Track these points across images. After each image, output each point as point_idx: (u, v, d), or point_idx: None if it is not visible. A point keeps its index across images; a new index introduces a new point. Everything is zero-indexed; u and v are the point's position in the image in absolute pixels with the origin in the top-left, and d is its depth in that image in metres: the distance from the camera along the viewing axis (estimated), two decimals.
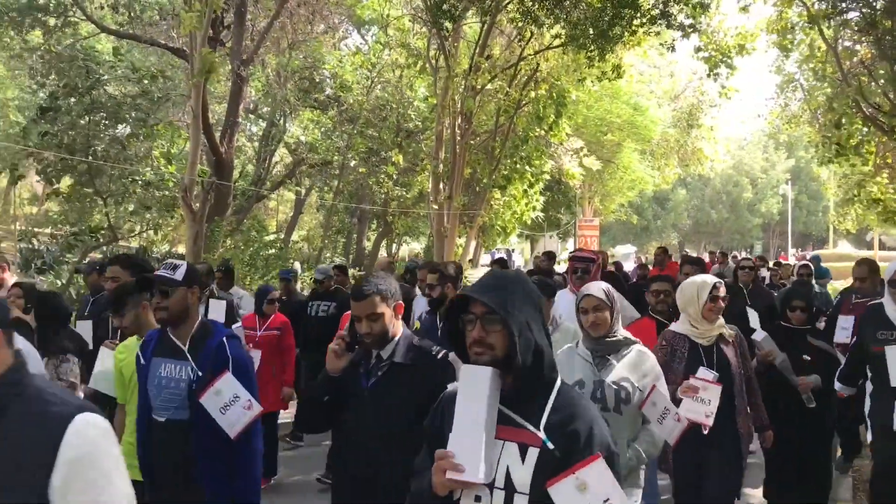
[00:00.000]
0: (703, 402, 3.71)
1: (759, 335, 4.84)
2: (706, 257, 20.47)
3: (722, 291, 4.07)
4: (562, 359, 3.42)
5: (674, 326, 4.24)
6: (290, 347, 6.67)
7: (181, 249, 21.23)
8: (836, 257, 34.96)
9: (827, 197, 47.61)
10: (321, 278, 8.19)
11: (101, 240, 15.81)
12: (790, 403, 4.74)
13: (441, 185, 16.51)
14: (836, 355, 4.96)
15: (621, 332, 3.47)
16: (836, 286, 15.98)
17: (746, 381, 4.19)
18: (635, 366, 3.41)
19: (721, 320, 4.13)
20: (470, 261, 19.58)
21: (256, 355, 5.76)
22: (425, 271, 6.60)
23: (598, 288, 3.50)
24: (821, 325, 6.05)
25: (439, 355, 2.86)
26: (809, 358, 4.77)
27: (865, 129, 16.72)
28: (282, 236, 27.04)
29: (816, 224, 63.04)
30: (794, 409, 4.74)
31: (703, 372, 3.84)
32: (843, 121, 14.80)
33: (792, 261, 36.54)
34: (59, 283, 14.81)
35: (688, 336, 4.11)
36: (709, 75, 16.27)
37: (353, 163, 22.07)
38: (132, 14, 17.86)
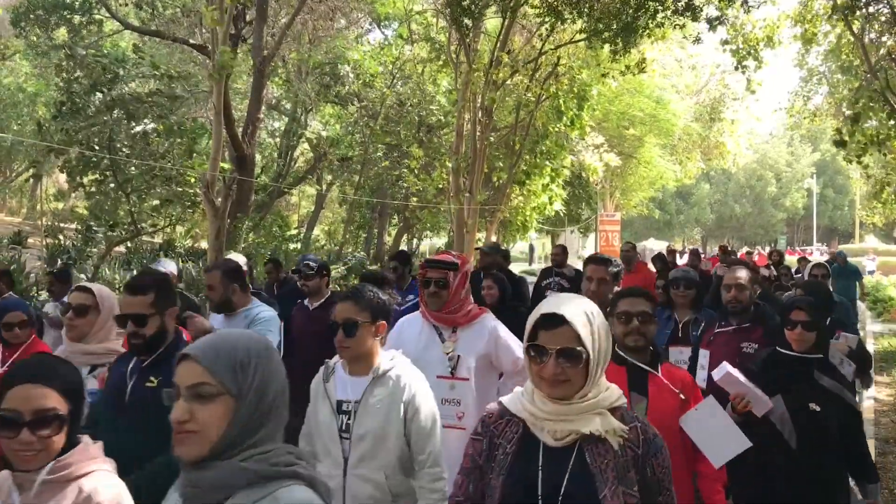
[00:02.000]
0: None
1: (719, 372, 3.12)
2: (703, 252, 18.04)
3: (554, 340, 1.92)
4: None
5: (509, 397, 2.11)
6: None
7: (204, 245, 21.43)
8: (862, 252, 34.52)
9: (853, 191, 46.98)
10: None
11: (124, 234, 16.00)
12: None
13: (461, 180, 16.51)
14: (854, 404, 3.30)
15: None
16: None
17: None
18: None
19: (608, 396, 1.98)
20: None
21: None
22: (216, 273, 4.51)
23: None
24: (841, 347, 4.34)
25: None
26: (818, 408, 3.14)
27: (892, 122, 16.45)
28: (303, 231, 27.20)
29: (842, 218, 62.28)
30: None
31: None
32: (862, 116, 14.56)
33: (817, 256, 36.04)
34: (84, 276, 15.01)
35: (524, 421, 2.02)
36: (737, 68, 16.05)
37: (378, 154, 22.13)
38: (155, 11, 18.04)
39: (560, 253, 8.99)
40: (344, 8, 21.21)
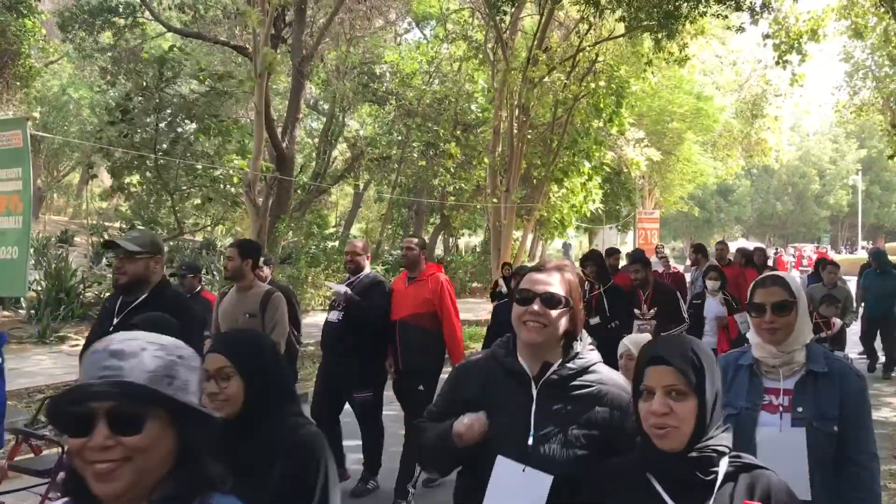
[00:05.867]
0: None
1: None
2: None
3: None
4: None
5: None
6: None
7: None
8: None
9: None
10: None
11: (166, 232, 16.29)
12: None
13: (498, 179, 16.47)
14: None
15: None
16: None
17: None
18: None
19: None
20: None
21: None
22: None
23: None
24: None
25: None
26: None
27: None
28: (341, 230, 27.43)
29: (889, 216, 60.74)
30: None
31: None
32: None
33: (862, 254, 34.96)
34: None
35: None
36: (778, 63, 15.63)
37: (414, 155, 22.21)
38: (196, 14, 18.34)
39: (356, 252, 5.77)
40: (381, 7, 21.31)
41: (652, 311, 6.64)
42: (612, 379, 2.09)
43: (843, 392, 2.33)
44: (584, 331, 2.18)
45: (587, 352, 2.13)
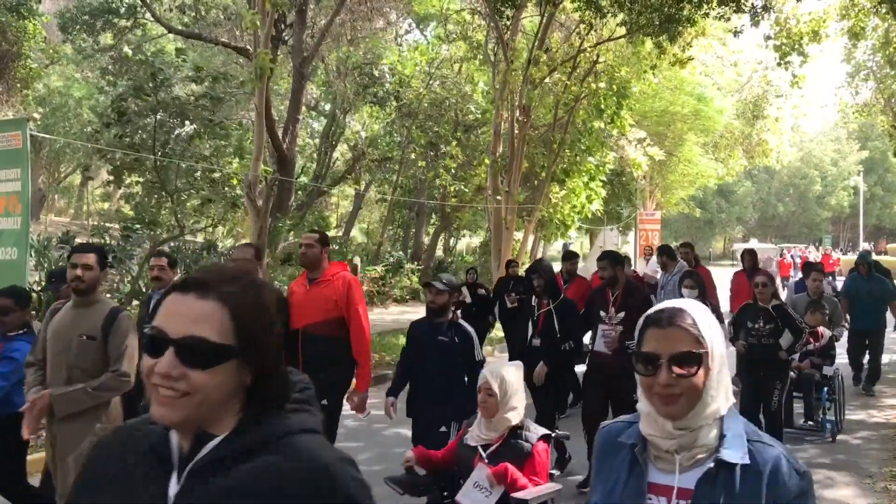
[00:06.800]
0: None
1: None
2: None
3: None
4: None
5: None
6: None
7: None
8: None
9: None
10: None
11: (166, 233, 16.28)
12: None
13: (499, 179, 16.45)
14: None
15: None
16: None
17: None
18: None
19: None
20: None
21: None
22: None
23: None
24: None
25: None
26: None
27: None
28: (342, 231, 27.41)
29: (891, 217, 60.77)
30: None
31: None
32: None
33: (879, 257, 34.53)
34: (129, 275, 15.33)
35: None
36: (779, 64, 15.60)
37: (412, 156, 22.21)
38: (197, 15, 18.35)
39: (247, 260, 5.01)
40: (382, 8, 21.31)
41: (620, 315, 5.70)
42: (307, 460, 1.19)
43: (774, 498, 1.49)
44: (296, 378, 1.33)
45: (286, 414, 1.24)
